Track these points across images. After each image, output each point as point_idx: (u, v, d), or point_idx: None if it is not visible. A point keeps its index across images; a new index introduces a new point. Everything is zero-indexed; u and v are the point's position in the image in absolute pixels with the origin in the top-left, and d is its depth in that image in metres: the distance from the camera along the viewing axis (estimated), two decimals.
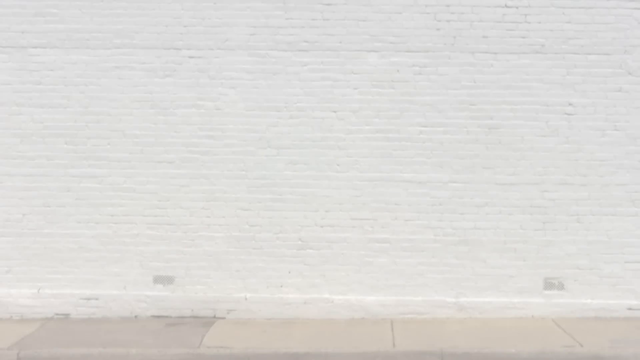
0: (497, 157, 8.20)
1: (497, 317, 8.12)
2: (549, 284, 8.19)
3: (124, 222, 8.27)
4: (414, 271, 8.22)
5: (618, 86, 8.18)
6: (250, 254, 8.25)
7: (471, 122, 8.20)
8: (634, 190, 8.17)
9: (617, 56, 8.16)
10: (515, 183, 8.20)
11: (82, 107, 8.27)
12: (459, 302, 8.19)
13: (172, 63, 8.26)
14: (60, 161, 8.27)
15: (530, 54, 8.18)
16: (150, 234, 8.27)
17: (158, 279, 8.28)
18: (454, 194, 8.21)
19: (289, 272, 8.26)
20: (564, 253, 8.19)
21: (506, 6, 8.18)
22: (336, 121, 8.24)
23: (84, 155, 8.28)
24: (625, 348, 7.00)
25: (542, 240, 8.20)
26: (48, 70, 8.27)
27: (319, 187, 8.24)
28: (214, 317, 8.19)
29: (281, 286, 8.27)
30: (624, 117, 8.17)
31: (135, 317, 8.25)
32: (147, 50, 8.26)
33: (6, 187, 8.28)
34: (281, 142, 8.24)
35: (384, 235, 8.23)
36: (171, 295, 8.25)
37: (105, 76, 8.27)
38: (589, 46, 8.16)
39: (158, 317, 8.20)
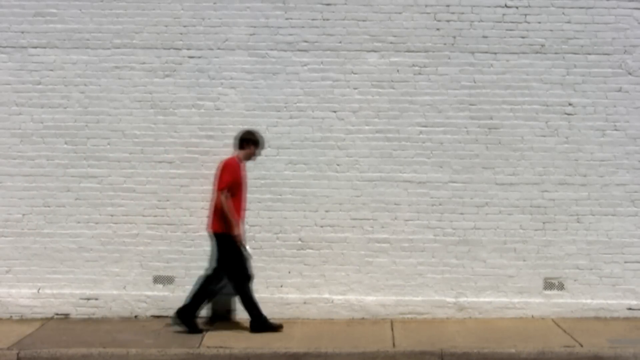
0: (497, 157, 8.20)
1: (496, 317, 8.12)
2: (548, 284, 8.19)
3: (124, 222, 8.28)
4: (414, 271, 8.22)
5: (618, 86, 8.18)
6: None
7: (471, 122, 8.20)
8: (634, 190, 8.17)
9: (617, 56, 8.17)
10: (515, 183, 8.20)
11: (82, 107, 8.28)
12: (458, 302, 8.18)
13: (172, 63, 8.27)
14: (60, 161, 8.28)
15: (530, 54, 8.19)
16: (150, 234, 8.28)
17: (158, 279, 8.28)
18: (454, 194, 8.21)
19: (289, 272, 8.26)
20: (564, 253, 8.19)
21: (506, 6, 8.19)
22: (336, 121, 8.24)
23: (84, 155, 8.28)
24: (625, 348, 6.99)
25: (542, 240, 8.20)
26: (48, 70, 8.28)
27: (319, 187, 8.24)
28: (214, 317, 8.19)
29: (281, 286, 8.26)
30: (624, 117, 8.18)
31: (135, 317, 8.25)
32: (147, 50, 8.26)
33: (6, 187, 8.28)
34: (281, 142, 8.24)
35: (384, 235, 8.23)
36: (171, 295, 8.25)
37: (105, 76, 8.28)
38: (589, 46, 8.17)
39: (158, 317, 8.20)
